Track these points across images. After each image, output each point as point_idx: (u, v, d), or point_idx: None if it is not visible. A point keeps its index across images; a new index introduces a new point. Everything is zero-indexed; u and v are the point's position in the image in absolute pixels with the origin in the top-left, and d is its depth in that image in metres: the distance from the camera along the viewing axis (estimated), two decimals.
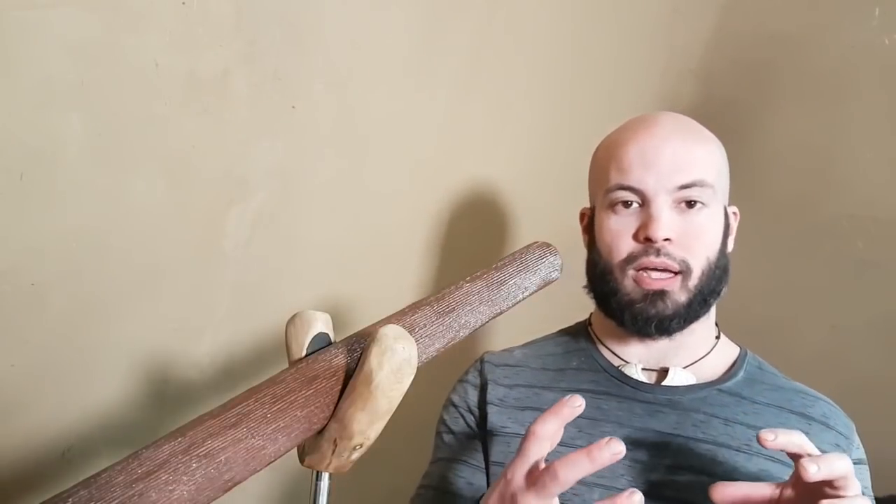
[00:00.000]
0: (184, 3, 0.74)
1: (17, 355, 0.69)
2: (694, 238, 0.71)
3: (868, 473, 0.72)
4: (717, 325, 0.80)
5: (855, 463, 0.69)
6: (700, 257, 0.71)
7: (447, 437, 0.80)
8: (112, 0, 0.70)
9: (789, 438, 0.56)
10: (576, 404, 0.54)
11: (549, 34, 1.26)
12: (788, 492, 0.58)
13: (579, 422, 0.70)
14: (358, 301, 1.01)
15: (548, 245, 0.72)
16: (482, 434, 0.77)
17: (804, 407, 0.73)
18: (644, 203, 0.72)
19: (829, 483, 0.55)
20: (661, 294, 0.71)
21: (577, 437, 0.70)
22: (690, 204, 0.71)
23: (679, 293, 0.71)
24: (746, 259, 1.50)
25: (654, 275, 0.70)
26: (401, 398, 0.46)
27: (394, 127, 1.02)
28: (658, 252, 0.70)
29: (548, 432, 0.54)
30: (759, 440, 0.56)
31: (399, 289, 1.08)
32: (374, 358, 0.44)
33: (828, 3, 1.34)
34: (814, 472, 0.53)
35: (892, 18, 1.26)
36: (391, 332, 0.45)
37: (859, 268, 1.30)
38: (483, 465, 0.75)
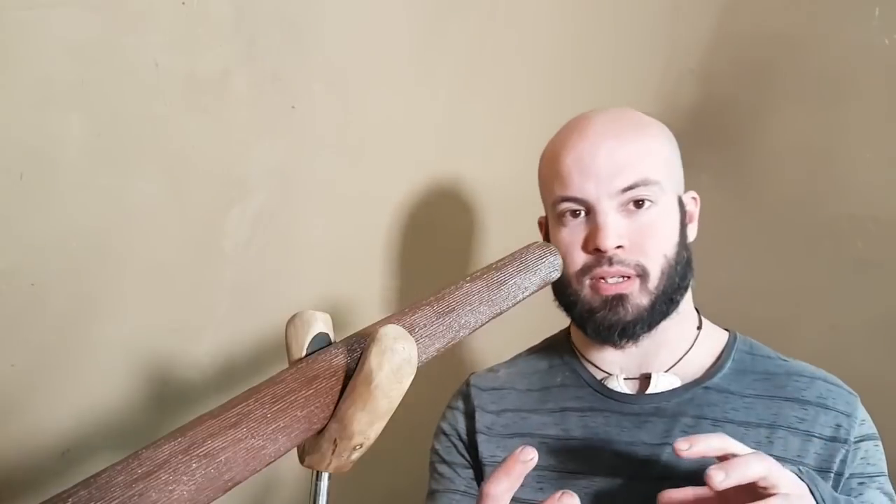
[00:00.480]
0: (184, 3, 0.74)
1: (17, 355, 0.69)
2: (646, 238, 0.68)
3: (879, 450, 0.69)
4: (698, 312, 0.77)
5: (858, 441, 0.67)
6: (656, 257, 0.69)
7: (441, 468, 0.78)
8: (112, 0, 0.70)
9: (707, 444, 0.54)
10: (527, 458, 0.52)
11: (548, 34, 1.26)
12: (730, 492, 0.55)
13: (570, 443, 0.71)
14: (358, 301, 1.01)
15: (548, 245, 0.72)
16: (475, 462, 0.75)
17: (798, 391, 0.70)
18: (589, 212, 0.70)
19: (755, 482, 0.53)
20: (620, 298, 0.68)
21: (568, 460, 0.70)
22: (638, 203, 0.69)
23: (639, 296, 0.69)
24: (746, 259, 1.51)
25: (611, 280, 0.69)
26: (401, 398, 0.46)
27: (393, 127, 1.02)
28: (610, 261, 0.68)
29: (501, 490, 0.52)
30: (675, 452, 0.53)
31: (399, 289, 1.08)
32: (374, 358, 0.44)
33: (828, 3, 1.34)
34: (720, 480, 0.50)
35: (892, 18, 1.26)
36: (391, 332, 0.45)
37: (859, 268, 1.30)
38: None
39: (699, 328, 0.76)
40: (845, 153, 1.32)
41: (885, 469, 0.69)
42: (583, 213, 0.70)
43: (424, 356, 0.53)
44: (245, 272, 0.88)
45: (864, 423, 0.69)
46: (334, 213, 0.97)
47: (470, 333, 0.59)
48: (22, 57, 0.65)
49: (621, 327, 0.69)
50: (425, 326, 0.54)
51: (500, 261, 0.66)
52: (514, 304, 0.65)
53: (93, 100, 0.70)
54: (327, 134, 0.93)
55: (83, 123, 0.70)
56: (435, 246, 1.14)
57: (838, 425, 0.68)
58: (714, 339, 0.76)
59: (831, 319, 1.33)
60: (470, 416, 0.78)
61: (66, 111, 0.68)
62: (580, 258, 0.70)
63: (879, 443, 0.69)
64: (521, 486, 0.69)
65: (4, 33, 0.63)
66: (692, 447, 0.53)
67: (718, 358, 0.74)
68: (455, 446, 0.78)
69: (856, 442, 0.67)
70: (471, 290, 0.60)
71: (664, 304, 0.69)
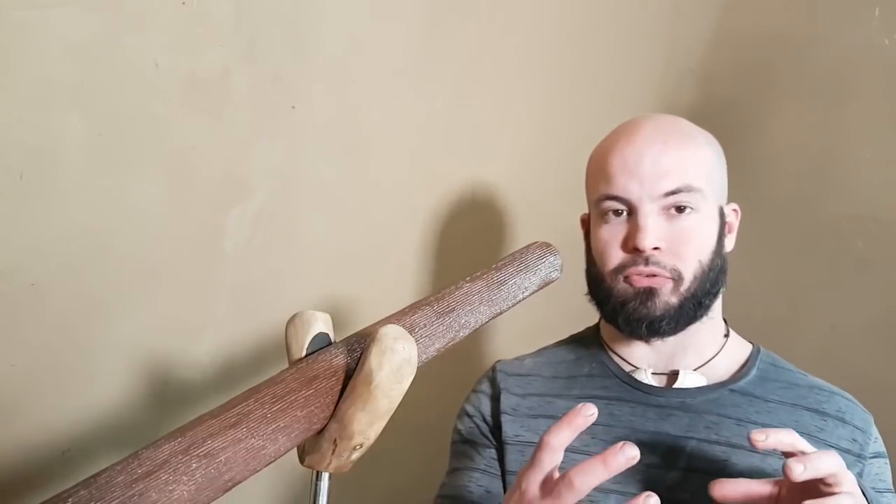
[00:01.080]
0: (184, 3, 0.74)
1: (17, 355, 0.69)
2: (683, 244, 0.71)
3: (888, 467, 0.72)
4: (725, 322, 0.80)
5: (872, 457, 0.70)
6: (691, 262, 0.71)
7: (462, 447, 0.80)
8: (112, 0, 0.70)
9: (779, 438, 0.56)
10: (588, 413, 0.54)
11: (549, 34, 1.26)
12: (786, 488, 0.58)
13: (593, 428, 0.70)
14: (358, 301, 1.01)
15: (548, 245, 0.72)
16: (498, 443, 0.77)
17: (819, 403, 0.73)
18: (631, 212, 0.72)
19: (821, 479, 0.55)
20: (651, 292, 0.71)
21: (591, 443, 0.70)
22: (680, 209, 0.71)
23: (670, 296, 0.71)
24: (746, 259, 1.50)
25: (645, 271, 0.71)
26: (401, 398, 0.46)
27: (393, 127, 1.02)
28: (647, 261, 0.70)
29: (561, 442, 0.54)
30: (750, 441, 0.56)
31: (399, 289, 1.08)
32: (374, 358, 0.44)
33: (828, 3, 1.34)
34: (799, 472, 0.53)
35: (892, 18, 1.26)
36: (391, 332, 0.45)
37: (859, 268, 1.30)
38: (500, 473, 0.75)
39: (726, 336, 0.79)
40: (845, 153, 1.32)
41: (892, 486, 0.71)
42: (625, 213, 0.72)
43: (424, 356, 0.53)
44: (245, 272, 0.88)
45: (877, 440, 0.72)
46: (335, 212, 0.97)
47: (470, 333, 0.59)
48: (22, 57, 0.65)
49: (649, 321, 0.71)
50: (425, 326, 0.54)
51: (500, 261, 0.67)
52: (514, 304, 0.65)
53: (93, 100, 0.70)
54: (327, 134, 0.93)
55: (83, 123, 0.70)
56: (435, 246, 1.14)
57: (854, 440, 0.70)
58: (739, 349, 0.78)
59: (831, 319, 1.33)
60: (495, 399, 0.79)
61: (66, 111, 0.68)
62: (617, 256, 0.72)
63: (888, 463, 0.72)
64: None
65: (4, 33, 0.63)
66: (767, 439, 0.55)
67: (744, 365, 0.76)
68: (478, 427, 0.79)
69: (870, 458, 0.70)
70: (471, 290, 0.60)
71: (693, 307, 0.71)
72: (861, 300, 1.30)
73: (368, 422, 0.45)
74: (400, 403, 0.46)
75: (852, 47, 1.31)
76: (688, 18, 1.48)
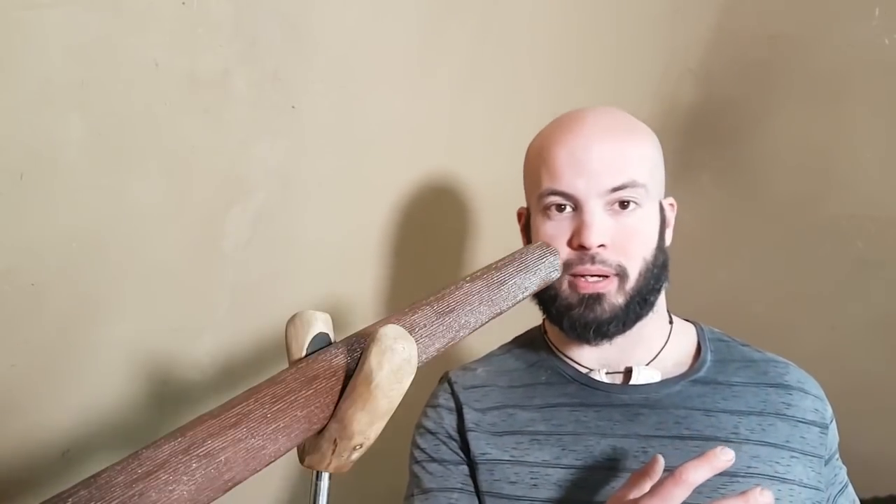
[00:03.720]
0: (184, 3, 0.74)
1: (17, 355, 0.69)
2: (629, 240, 0.69)
3: (836, 429, 0.73)
4: (667, 311, 0.79)
5: (830, 421, 0.72)
6: (636, 259, 0.70)
7: (431, 466, 0.74)
8: (112, 0, 0.70)
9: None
10: (727, 457, 0.54)
11: (548, 34, 1.26)
12: None
13: (562, 439, 0.70)
14: (358, 301, 1.01)
15: (548, 245, 0.72)
16: (468, 459, 0.73)
17: (780, 377, 0.73)
18: (577, 207, 0.70)
19: None
20: (598, 298, 0.69)
21: (563, 455, 0.69)
22: (624, 205, 0.69)
23: (616, 296, 0.69)
24: (746, 259, 1.51)
25: (590, 279, 0.69)
26: (401, 398, 0.46)
27: (393, 127, 1.02)
28: (593, 259, 0.69)
29: (697, 479, 0.54)
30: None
31: (399, 289, 1.08)
32: (374, 358, 0.44)
33: (828, 3, 1.34)
34: None
35: (892, 18, 1.26)
36: (391, 332, 0.45)
37: (859, 268, 1.30)
38: (475, 491, 0.72)
39: (671, 322, 0.78)
40: (845, 153, 1.32)
41: (837, 451, 0.74)
42: (568, 209, 0.71)
43: (424, 356, 0.53)
44: (245, 272, 0.88)
45: (828, 406, 0.73)
46: (334, 213, 0.97)
47: (470, 333, 0.59)
48: (22, 57, 0.65)
49: (596, 325, 0.69)
50: (425, 326, 0.54)
51: (500, 261, 0.66)
52: (514, 304, 0.65)
53: (93, 100, 0.70)
54: (327, 134, 0.93)
55: (83, 123, 0.70)
56: (435, 246, 1.14)
57: (816, 409, 0.71)
58: (684, 332, 0.78)
59: (831, 319, 1.33)
60: (458, 413, 0.76)
61: (66, 111, 0.68)
62: (563, 254, 0.71)
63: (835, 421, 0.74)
64: (514, 483, 0.68)
65: (4, 33, 0.63)
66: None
67: (698, 351, 0.76)
68: (444, 444, 0.75)
69: (829, 423, 0.72)
70: (471, 290, 0.60)
71: (638, 305, 0.70)
72: (861, 300, 1.30)
73: (368, 422, 0.45)
74: (400, 403, 0.46)
75: (852, 47, 1.31)
76: (688, 18, 1.48)
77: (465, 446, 0.74)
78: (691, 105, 1.49)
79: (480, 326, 0.60)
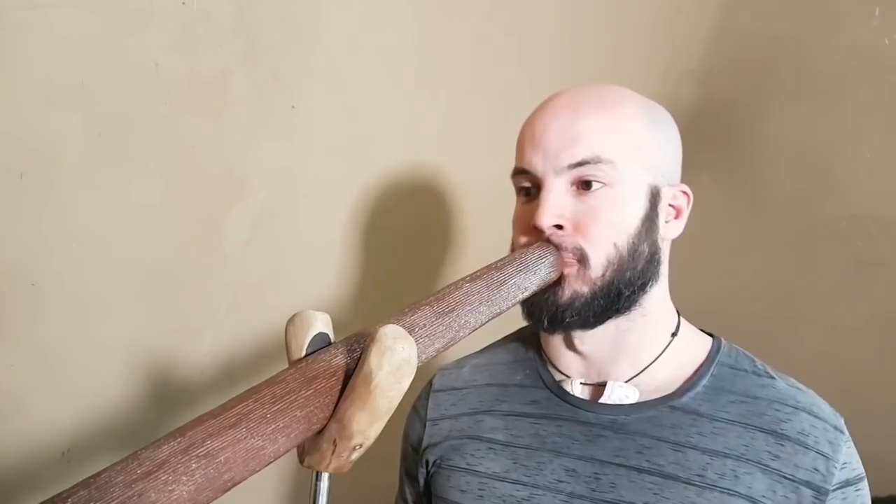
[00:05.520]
0: (184, 3, 0.74)
1: (17, 355, 0.69)
2: (590, 222, 0.62)
3: (863, 492, 0.61)
4: (678, 314, 0.69)
5: (836, 488, 0.59)
6: (601, 244, 0.62)
7: (402, 469, 0.78)
8: (112, 0, 0.70)
9: None
10: None
11: (548, 34, 1.26)
12: None
13: (516, 452, 0.66)
14: (358, 301, 1.01)
15: (548, 245, 0.72)
16: (424, 469, 0.73)
17: (777, 423, 0.61)
18: (538, 187, 0.64)
19: None
20: (556, 281, 0.63)
21: (513, 469, 0.65)
22: (586, 184, 0.62)
23: (576, 282, 0.62)
24: (747, 259, 1.51)
25: None
26: (401, 398, 0.46)
27: (393, 127, 1.02)
28: (549, 241, 0.63)
29: None
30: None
31: (399, 289, 1.08)
32: (373, 358, 0.44)
33: (828, 3, 1.34)
34: None
35: (892, 18, 1.26)
36: (391, 332, 0.45)
37: (859, 268, 1.31)
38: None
39: (674, 335, 0.68)
40: (845, 153, 1.32)
41: None
42: (534, 191, 0.65)
43: (424, 356, 0.53)
44: (245, 272, 0.88)
45: (845, 466, 0.60)
46: (334, 213, 0.97)
47: (470, 333, 0.59)
48: (22, 57, 0.65)
49: (553, 311, 0.63)
50: (425, 326, 0.54)
51: (500, 261, 0.66)
52: (514, 304, 0.64)
53: (93, 100, 0.70)
54: (327, 134, 0.93)
55: (83, 123, 0.70)
56: (435, 246, 1.14)
57: (815, 469, 0.59)
58: (692, 349, 0.68)
59: (831, 319, 1.33)
60: (424, 426, 0.74)
61: (66, 111, 0.68)
62: (525, 237, 0.66)
63: (863, 484, 0.62)
64: (464, 492, 0.67)
65: (4, 33, 0.63)
66: None
67: (695, 372, 0.66)
68: (410, 455, 0.75)
69: (834, 490, 0.59)
70: (471, 290, 0.60)
71: (606, 299, 0.62)
72: (861, 300, 1.30)
73: (368, 422, 0.45)
74: (400, 403, 0.46)
75: (852, 47, 1.31)
76: (688, 18, 1.48)
77: (423, 458, 0.73)
78: (691, 105, 1.49)
79: (480, 326, 0.60)
